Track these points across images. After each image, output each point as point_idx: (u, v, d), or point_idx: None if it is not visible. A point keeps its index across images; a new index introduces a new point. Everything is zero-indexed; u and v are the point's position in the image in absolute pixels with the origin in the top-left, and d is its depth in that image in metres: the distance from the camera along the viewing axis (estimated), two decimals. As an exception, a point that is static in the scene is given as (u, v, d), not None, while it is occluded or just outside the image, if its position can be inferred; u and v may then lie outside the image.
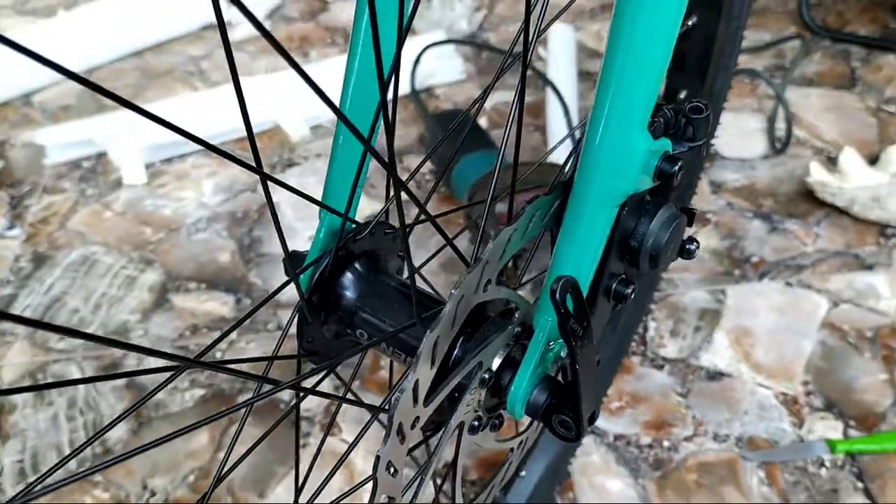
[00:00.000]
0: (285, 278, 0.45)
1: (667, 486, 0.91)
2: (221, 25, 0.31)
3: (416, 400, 0.38)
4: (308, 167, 1.34)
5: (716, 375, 1.01)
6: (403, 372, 0.43)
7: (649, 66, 0.37)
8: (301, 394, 0.50)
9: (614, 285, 0.45)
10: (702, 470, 0.92)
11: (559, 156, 1.23)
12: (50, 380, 1.04)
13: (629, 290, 0.45)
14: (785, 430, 0.95)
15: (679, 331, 1.06)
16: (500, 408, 0.47)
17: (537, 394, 0.44)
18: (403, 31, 0.38)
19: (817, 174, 1.21)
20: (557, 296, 0.39)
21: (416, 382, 0.37)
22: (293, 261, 0.51)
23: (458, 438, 0.45)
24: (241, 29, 1.64)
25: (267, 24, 1.68)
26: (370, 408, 0.44)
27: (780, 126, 1.35)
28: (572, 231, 0.42)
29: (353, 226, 0.48)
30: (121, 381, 1.04)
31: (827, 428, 0.95)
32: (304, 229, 1.23)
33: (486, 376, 0.43)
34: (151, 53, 1.59)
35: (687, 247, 0.47)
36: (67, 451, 0.96)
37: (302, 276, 0.50)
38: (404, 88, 1.43)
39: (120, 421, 0.36)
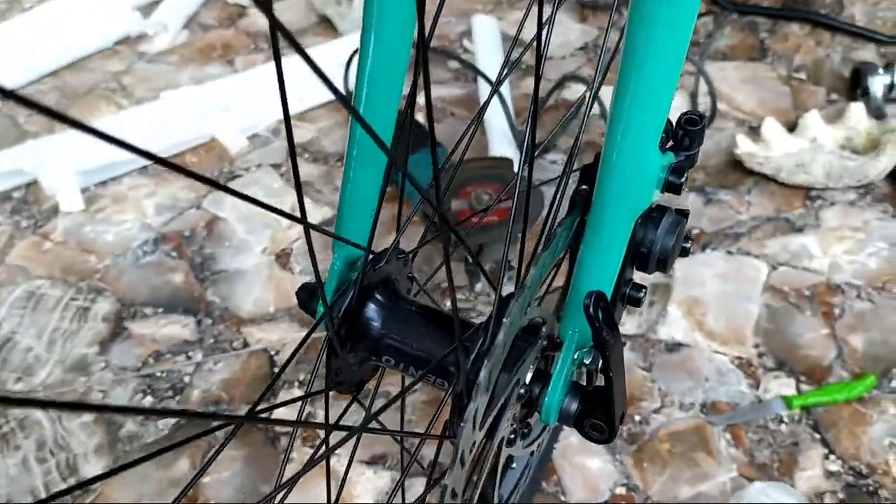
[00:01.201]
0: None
1: (643, 459, 0.96)
2: (276, 54, 0.32)
3: (474, 427, 0.40)
4: (251, 178, 1.33)
5: (674, 347, 1.06)
6: (401, 389, 0.45)
7: (663, 89, 0.40)
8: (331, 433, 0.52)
9: (628, 291, 0.48)
10: (673, 439, 0.97)
11: (502, 149, 1.26)
12: (12, 424, 1.01)
13: (642, 295, 0.49)
14: (744, 392, 1.02)
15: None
16: (529, 417, 0.49)
17: (569, 401, 0.46)
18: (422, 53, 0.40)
19: (744, 145, 1.27)
20: (591, 310, 0.41)
21: (476, 410, 0.39)
22: (307, 293, 0.52)
23: (497, 453, 0.47)
24: (160, 40, 1.60)
25: (183, 34, 1.64)
26: (436, 437, 0.46)
27: (703, 101, 1.41)
28: (594, 246, 0.44)
29: (371, 255, 0.49)
30: (89, 416, 1.02)
31: (781, 386, 1.02)
32: (254, 243, 1.22)
33: (522, 391, 0.45)
34: (69, 72, 1.54)
35: (685, 246, 0.51)
36: (43, 496, 0.94)
37: (319, 307, 0.51)
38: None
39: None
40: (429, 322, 0.49)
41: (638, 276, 0.50)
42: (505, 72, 0.59)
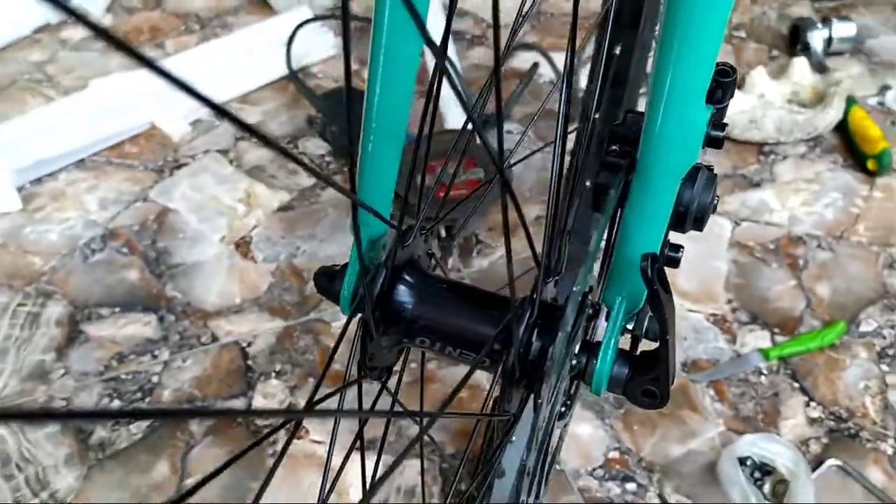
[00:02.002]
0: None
1: (632, 422, 0.96)
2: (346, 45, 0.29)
3: (547, 400, 0.38)
4: (198, 166, 1.27)
5: (650, 309, 1.07)
6: (463, 378, 0.43)
7: (711, 35, 0.38)
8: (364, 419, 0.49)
9: (667, 252, 0.47)
10: (660, 399, 0.98)
11: (459, 121, 1.24)
12: (-31, 442, 0.94)
13: (680, 255, 0.47)
14: (722, 349, 1.03)
15: (608, 273, 1.11)
16: (575, 389, 0.48)
17: (618, 369, 0.45)
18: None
19: (697, 105, 1.28)
20: (650, 273, 0.40)
21: (553, 386, 0.37)
22: (327, 277, 0.50)
23: (550, 427, 0.45)
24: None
25: (107, 18, 1.56)
26: (501, 416, 0.43)
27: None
28: (642, 208, 0.43)
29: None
30: (54, 425, 0.96)
31: (756, 339, 1.03)
32: (210, 233, 1.17)
33: (574, 362, 0.44)
34: (-13, 65, 1.44)
35: (714, 203, 0.50)
36: (13, 514, 0.89)
37: (343, 291, 0.48)
38: (280, 71, 1.38)
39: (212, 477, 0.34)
40: (463, 299, 0.47)
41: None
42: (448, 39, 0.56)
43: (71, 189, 1.24)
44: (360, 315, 0.46)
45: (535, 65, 1.35)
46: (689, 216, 0.46)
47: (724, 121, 0.45)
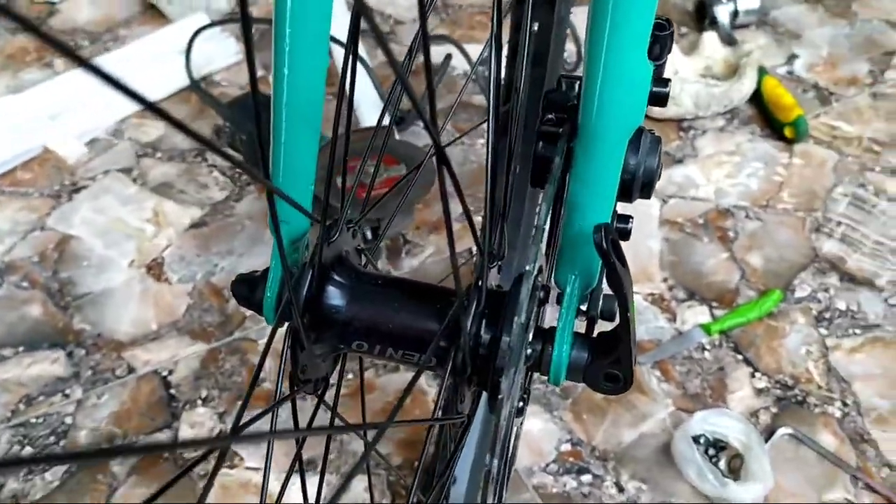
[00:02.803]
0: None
1: (581, 411, 0.93)
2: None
3: (507, 399, 0.34)
4: (99, 188, 1.18)
5: (588, 294, 1.04)
6: (409, 383, 0.38)
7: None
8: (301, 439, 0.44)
9: (616, 224, 0.44)
10: (607, 386, 0.95)
11: (374, 118, 1.19)
12: None
13: (630, 226, 0.44)
14: (663, 328, 1.01)
15: (541, 262, 1.08)
16: (530, 381, 0.44)
17: (577, 354, 0.41)
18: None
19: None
20: (605, 245, 0.36)
21: (512, 381, 0.33)
22: (247, 285, 0.44)
23: (508, 426, 0.41)
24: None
25: (-13, 39, 1.45)
26: (456, 419, 0.39)
27: (568, 47, 1.40)
28: (589, 175, 0.39)
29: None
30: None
31: (696, 315, 1.02)
32: (119, 257, 1.09)
33: (529, 352, 0.40)
34: None
35: (660, 168, 0.46)
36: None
37: (267, 298, 0.43)
38: (182, 81, 1.31)
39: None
40: (402, 294, 0.42)
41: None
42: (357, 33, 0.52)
43: (-41, 224, 1.14)
44: (287, 323, 0.41)
45: (448, 56, 1.31)
46: (637, 183, 0.43)
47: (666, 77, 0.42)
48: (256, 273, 0.45)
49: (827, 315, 1.01)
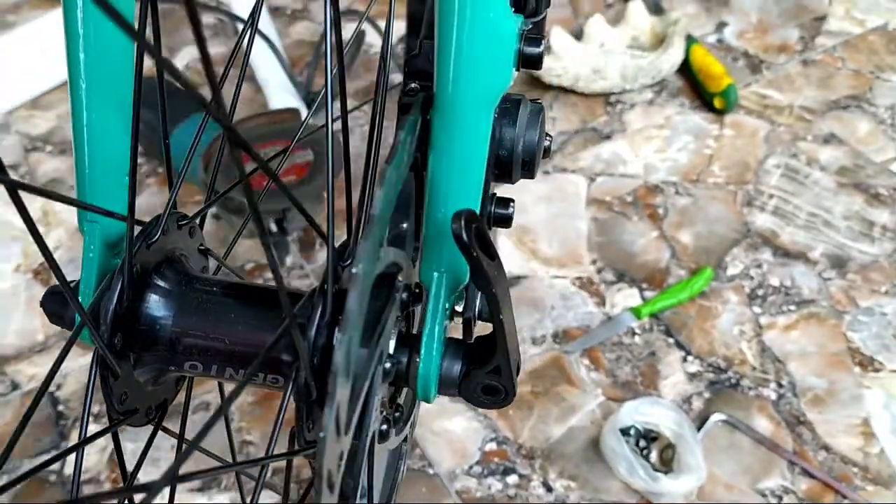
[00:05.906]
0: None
1: (507, 407, 0.87)
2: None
3: (339, 431, 0.27)
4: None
5: (513, 281, 0.98)
6: (221, 405, 0.32)
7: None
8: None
9: (493, 208, 0.37)
10: (533, 378, 0.90)
11: (284, 101, 1.11)
12: None
13: (511, 211, 0.38)
14: (592, 313, 0.96)
15: (463, 248, 1.02)
16: (398, 396, 0.37)
17: (449, 364, 0.35)
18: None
19: (537, 60, 1.21)
20: (465, 236, 0.30)
21: (338, 409, 0.26)
22: (58, 300, 0.37)
23: (368, 452, 0.35)
24: None
25: None
26: (286, 456, 0.32)
27: (486, 22, 1.34)
28: (449, 152, 0.33)
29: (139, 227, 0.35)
30: None
31: (626, 298, 0.97)
32: (1, 262, 1.00)
33: (388, 365, 0.33)
34: None
35: (546, 143, 0.40)
36: None
37: (79, 316, 0.36)
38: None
39: None
40: (240, 304, 0.36)
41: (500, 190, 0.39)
42: (261, 8, 0.45)
43: None
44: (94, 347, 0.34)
45: (362, 33, 1.24)
46: (515, 160, 0.37)
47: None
48: (72, 283, 0.37)
49: (760, 292, 0.97)
